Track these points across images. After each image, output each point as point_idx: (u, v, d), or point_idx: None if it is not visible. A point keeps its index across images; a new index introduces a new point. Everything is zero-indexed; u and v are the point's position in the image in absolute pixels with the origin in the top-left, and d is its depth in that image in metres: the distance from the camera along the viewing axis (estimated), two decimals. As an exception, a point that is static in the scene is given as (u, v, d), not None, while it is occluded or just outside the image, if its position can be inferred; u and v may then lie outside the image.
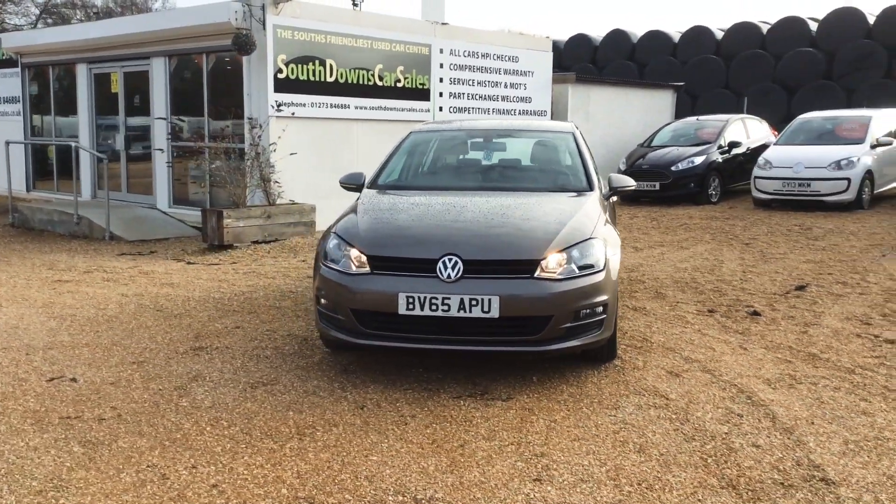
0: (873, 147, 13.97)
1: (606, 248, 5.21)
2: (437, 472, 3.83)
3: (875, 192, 14.11)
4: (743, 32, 25.64)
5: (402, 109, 13.45)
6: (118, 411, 4.66)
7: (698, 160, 15.11)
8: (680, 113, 21.76)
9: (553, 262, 4.95)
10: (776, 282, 8.22)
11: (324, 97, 12.24)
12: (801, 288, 7.87)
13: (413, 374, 5.26)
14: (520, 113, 15.54)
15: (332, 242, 5.37)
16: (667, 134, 17.00)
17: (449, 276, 4.86)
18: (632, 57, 27.09)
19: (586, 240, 5.15)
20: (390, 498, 3.57)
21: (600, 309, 5.07)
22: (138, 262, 9.97)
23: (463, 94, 14.42)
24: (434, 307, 4.84)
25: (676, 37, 26.99)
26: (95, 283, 8.51)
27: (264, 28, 11.46)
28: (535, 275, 4.90)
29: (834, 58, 23.27)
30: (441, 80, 14.00)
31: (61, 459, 4.01)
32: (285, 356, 5.73)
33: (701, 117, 17.67)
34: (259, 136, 11.28)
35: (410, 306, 4.87)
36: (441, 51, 13.95)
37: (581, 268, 5.00)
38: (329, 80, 12.30)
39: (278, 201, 11.53)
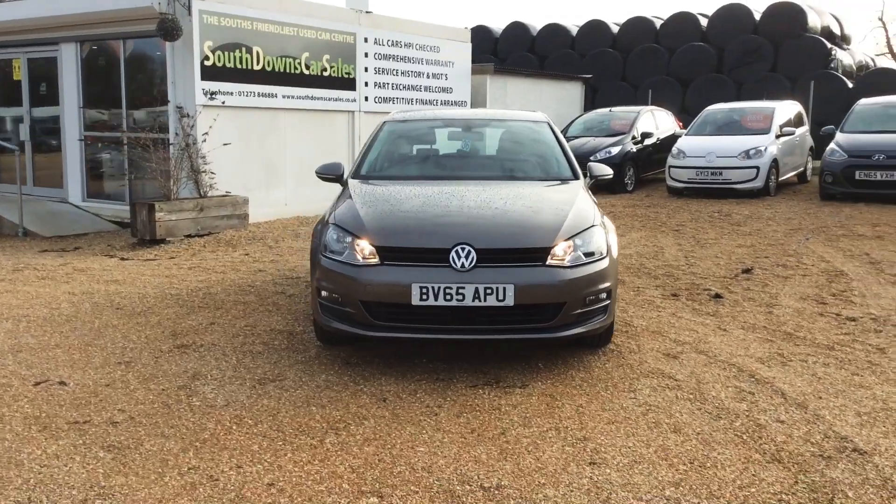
0: (777, 137, 14.76)
1: (607, 235, 5.33)
2: (491, 459, 3.83)
3: (778, 179, 14.91)
4: (637, 27, 26.53)
5: (329, 99, 13.27)
6: (128, 413, 4.44)
7: (615, 150, 15.56)
8: (572, 103, 22.31)
9: (560, 250, 5.02)
10: (720, 265, 8.58)
11: (251, 86, 11.92)
12: (747, 271, 8.26)
13: (419, 364, 5.23)
14: (442, 103, 15.57)
15: (333, 233, 5.27)
16: (580, 125, 17.42)
17: (463, 266, 4.85)
18: (532, 49, 27.58)
19: (589, 227, 5.25)
20: (458, 487, 3.55)
21: (604, 295, 5.18)
22: (66, 258, 9.46)
23: (388, 83, 14.34)
24: (448, 297, 4.82)
25: (574, 30, 27.65)
26: (32, 282, 8.02)
27: (189, 13, 11.06)
28: (547, 262, 4.96)
29: (724, 52, 24.40)
30: (366, 69, 13.87)
31: (91, 466, 3.79)
32: (279, 351, 5.59)
33: (613, 109, 18.18)
34: (191, 126, 10.89)
35: (424, 297, 4.83)
36: (366, 40, 13.82)
37: (586, 255, 5.09)
38: (256, 68, 11.99)
39: (210, 193, 11.18)
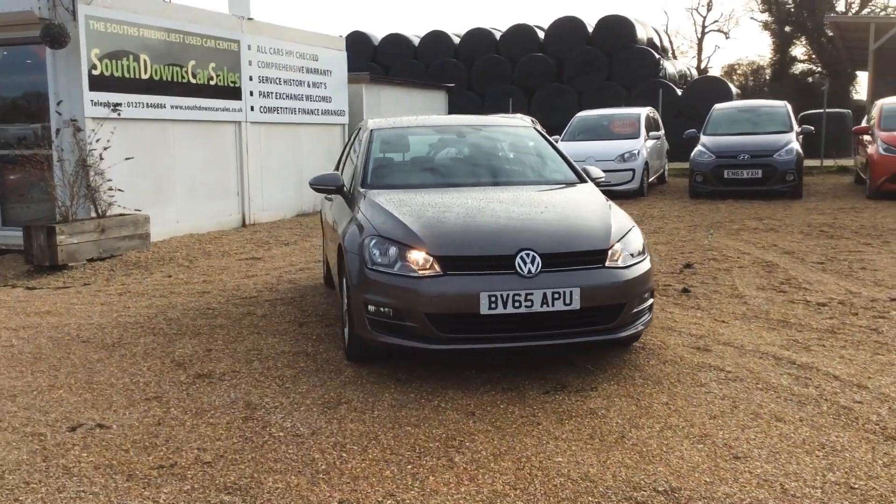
0: (646, 141, 15.64)
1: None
2: (637, 463, 3.79)
3: (648, 180, 15.81)
4: (478, 37, 27.28)
5: (217, 109, 12.64)
6: (213, 452, 4.01)
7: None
8: (438, 111, 22.58)
9: (615, 252, 5.07)
10: (656, 262, 8.98)
11: (139, 96, 11.13)
12: (688, 266, 8.69)
13: (470, 376, 5.08)
14: (322, 113, 15.24)
15: (377, 245, 5.02)
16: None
17: (530, 272, 4.78)
18: (374, 59, 27.62)
19: (631, 228, 5.35)
20: (635, 494, 3.49)
21: (648, 294, 5.29)
22: (-40, 290, 8.40)
23: (272, 93, 13.85)
24: (517, 304, 4.74)
25: (416, 40, 27.97)
26: (-54, 319, 7.06)
27: (75, 19, 10.18)
28: (606, 264, 5.00)
29: (562, 62, 25.58)
30: (251, 78, 13.33)
31: (227, 513, 3.40)
32: (314, 373, 5.24)
33: (482, 117, 18.50)
34: (95, 141, 9.99)
35: (493, 305, 4.72)
36: (249, 47, 13.29)
37: (632, 255, 5.18)
38: (144, 77, 11.21)
39: (108, 212, 10.31)
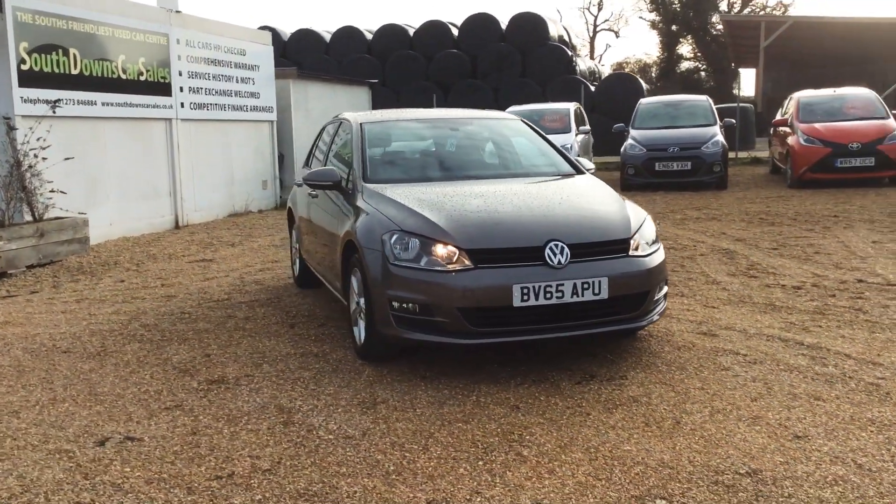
0: (576, 135, 15.89)
1: None
2: (706, 447, 3.80)
3: (578, 174, 16.05)
4: (391, 34, 27.09)
5: (147, 106, 12.12)
6: (265, 459, 3.80)
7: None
8: (362, 107, 22.34)
9: (636, 241, 5.10)
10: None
11: (71, 92, 10.55)
12: (652, 256, 8.85)
13: (491, 370, 5.01)
14: (251, 109, 14.81)
15: (399, 240, 4.89)
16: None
17: (559, 262, 4.75)
18: (284, 54, 27.08)
19: (646, 218, 5.39)
20: (720, 477, 3.50)
21: (665, 282, 5.35)
22: None
23: (201, 88, 13.37)
24: (548, 295, 4.70)
25: (328, 36, 27.58)
26: None
27: (1, 10, 9.56)
28: (630, 253, 5.02)
29: (476, 59, 25.72)
30: (181, 73, 12.83)
31: (316, 522, 3.23)
32: (333, 374, 5.06)
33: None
34: (28, 140, 9.39)
35: (525, 297, 4.67)
36: (178, 41, 12.79)
37: (647, 244, 5.22)
38: (74, 72, 10.63)
39: (46, 215, 9.73)
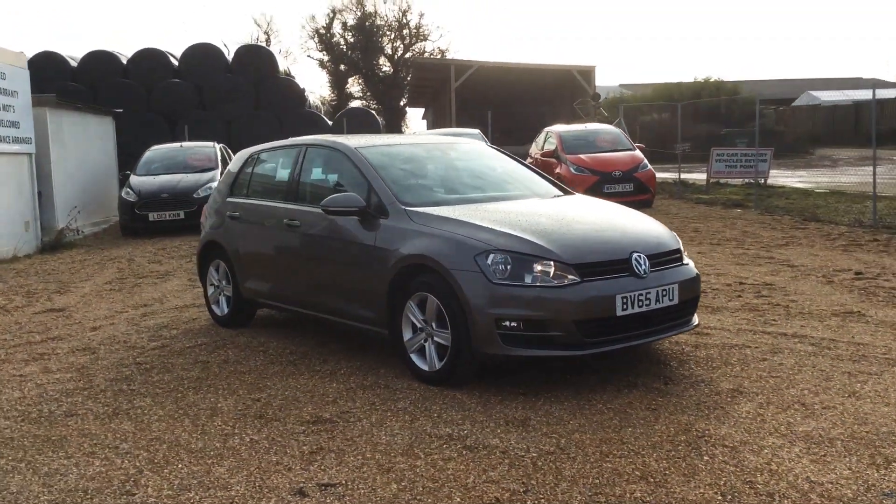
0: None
1: None
2: (805, 419, 4.37)
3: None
4: (101, 60, 25.04)
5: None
6: (502, 487, 3.67)
7: (214, 185, 14.98)
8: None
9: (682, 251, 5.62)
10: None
11: None
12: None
13: (528, 380, 5.23)
14: (13, 140, 12.99)
15: (499, 260, 4.89)
16: (153, 161, 16.18)
17: (645, 272, 5.10)
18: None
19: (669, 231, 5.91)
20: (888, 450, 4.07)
21: (696, 289, 5.88)
22: None
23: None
24: (640, 303, 5.04)
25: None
26: None
27: None
28: (684, 261, 5.51)
29: (202, 89, 24.71)
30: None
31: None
32: (432, 401, 4.89)
33: (184, 144, 17.34)
34: None
35: (625, 306, 4.96)
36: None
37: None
38: None
39: None
